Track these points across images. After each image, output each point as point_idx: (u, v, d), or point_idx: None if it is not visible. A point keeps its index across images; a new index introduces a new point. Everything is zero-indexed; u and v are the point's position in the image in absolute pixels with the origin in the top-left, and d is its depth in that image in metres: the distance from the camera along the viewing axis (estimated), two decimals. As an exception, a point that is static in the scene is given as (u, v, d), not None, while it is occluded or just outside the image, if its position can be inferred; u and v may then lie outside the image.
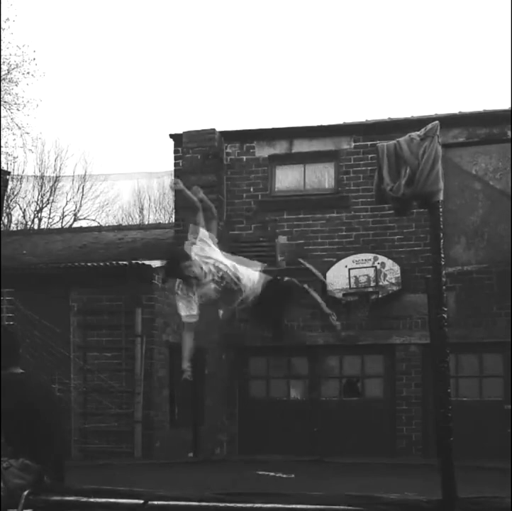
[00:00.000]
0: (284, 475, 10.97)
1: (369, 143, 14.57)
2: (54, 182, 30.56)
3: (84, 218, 31.24)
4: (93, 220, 30.89)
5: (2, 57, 24.93)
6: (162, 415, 13.00)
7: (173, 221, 17.34)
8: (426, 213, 5.02)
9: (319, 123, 15.63)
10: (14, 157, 28.23)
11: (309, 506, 4.51)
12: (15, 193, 29.51)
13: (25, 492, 4.59)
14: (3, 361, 4.94)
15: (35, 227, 28.82)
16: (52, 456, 4.94)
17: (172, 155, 15.58)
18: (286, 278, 6.44)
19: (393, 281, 14.33)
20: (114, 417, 12.57)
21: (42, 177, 30.33)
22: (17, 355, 5.09)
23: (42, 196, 30.53)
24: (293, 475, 10.97)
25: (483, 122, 14.59)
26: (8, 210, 28.96)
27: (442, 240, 4.83)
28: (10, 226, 28.73)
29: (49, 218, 30.92)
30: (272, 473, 11.09)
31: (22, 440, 4.78)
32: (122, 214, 32.82)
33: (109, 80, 46.38)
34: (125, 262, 12.98)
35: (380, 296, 14.34)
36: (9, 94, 26.53)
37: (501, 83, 39.94)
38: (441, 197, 4.84)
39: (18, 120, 30.19)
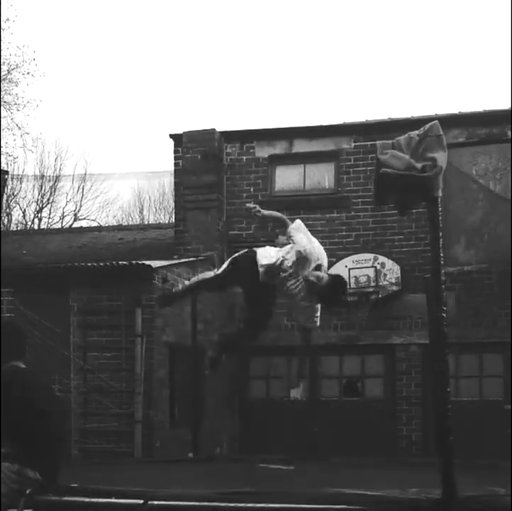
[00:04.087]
0: (284, 467, 11.01)
1: (369, 143, 14.58)
2: (54, 182, 30.57)
3: (84, 218, 31.26)
4: (93, 220, 30.91)
5: (2, 58, 24.94)
6: (162, 415, 12.99)
7: (173, 221, 17.35)
8: (426, 213, 5.02)
9: (319, 123, 15.63)
10: (14, 158, 28.25)
11: (309, 506, 4.51)
12: (15, 193, 29.53)
13: (27, 492, 4.59)
14: (6, 354, 4.93)
15: (35, 227, 28.82)
16: (50, 456, 4.93)
17: (172, 155, 15.59)
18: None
19: (393, 281, 14.33)
20: (114, 417, 12.56)
21: (42, 177, 30.33)
22: (22, 349, 5.07)
23: (42, 196, 30.54)
24: (292, 467, 11.02)
25: (483, 122, 14.59)
26: (8, 210, 28.96)
27: (441, 239, 4.82)
28: (10, 226, 28.73)
29: (49, 218, 30.94)
30: (272, 465, 11.14)
31: (20, 438, 4.77)
32: (122, 214, 32.84)
33: (109, 80, 46.40)
34: (125, 262, 12.97)
35: (380, 296, 14.34)
36: (9, 94, 26.55)
37: (501, 83, 39.95)
38: (440, 193, 4.84)
39: (18, 120, 30.25)
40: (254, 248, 6.48)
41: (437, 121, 4.85)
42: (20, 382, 4.88)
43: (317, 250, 6.22)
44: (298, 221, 6.35)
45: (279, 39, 48.60)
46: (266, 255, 6.32)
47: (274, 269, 6.22)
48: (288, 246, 6.25)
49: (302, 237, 6.19)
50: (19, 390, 4.83)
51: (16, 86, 26.61)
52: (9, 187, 26.97)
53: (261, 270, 6.25)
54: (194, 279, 6.94)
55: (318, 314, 6.44)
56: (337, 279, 6.27)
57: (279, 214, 6.57)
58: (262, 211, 6.41)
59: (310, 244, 6.20)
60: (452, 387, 5.20)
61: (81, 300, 12.84)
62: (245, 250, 6.51)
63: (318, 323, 6.56)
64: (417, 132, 4.84)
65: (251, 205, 6.48)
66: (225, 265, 6.51)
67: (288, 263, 6.17)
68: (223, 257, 15.26)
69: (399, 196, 4.99)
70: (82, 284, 12.79)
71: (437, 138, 4.77)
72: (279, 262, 6.20)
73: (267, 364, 15.36)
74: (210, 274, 6.81)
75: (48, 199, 30.73)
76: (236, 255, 6.52)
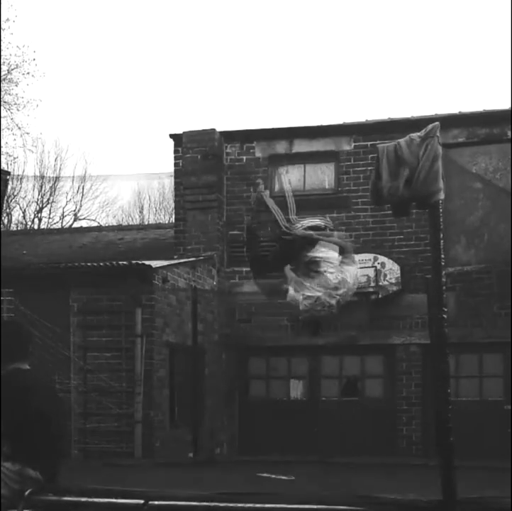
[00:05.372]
0: (284, 477, 10.98)
1: (369, 143, 14.58)
2: (54, 182, 30.56)
3: (84, 218, 31.25)
4: (93, 220, 30.90)
5: (2, 58, 24.93)
6: (162, 415, 12.99)
7: (173, 221, 17.36)
8: (426, 213, 5.02)
9: (319, 123, 15.63)
10: (14, 158, 28.25)
11: (309, 506, 4.50)
12: (15, 193, 29.53)
13: (27, 493, 4.58)
14: (9, 355, 4.90)
15: (35, 227, 28.81)
16: (51, 456, 4.93)
17: (172, 155, 15.59)
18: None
19: (393, 281, 14.32)
20: (114, 417, 12.56)
21: (42, 177, 30.32)
22: (25, 350, 5.03)
23: (42, 197, 30.54)
24: (293, 477, 10.98)
25: (483, 122, 14.59)
26: (8, 210, 28.97)
27: (442, 241, 4.82)
28: (10, 226, 28.74)
29: (49, 218, 30.93)
30: (273, 475, 11.10)
31: (21, 438, 4.77)
32: (122, 214, 32.84)
33: (109, 80, 46.40)
34: (125, 262, 12.96)
35: (380, 296, 14.33)
36: (9, 94, 26.54)
37: (501, 83, 39.94)
38: (442, 196, 4.83)
39: (18, 120, 30.22)
40: None
41: (438, 123, 4.85)
42: (21, 384, 4.87)
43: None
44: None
45: (278, 39, 48.61)
46: None
47: None
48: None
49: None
50: (20, 392, 4.83)
51: (16, 86, 26.63)
52: (9, 187, 26.94)
53: None
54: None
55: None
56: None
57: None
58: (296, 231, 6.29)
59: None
60: (452, 387, 5.20)
61: (81, 300, 12.83)
62: None
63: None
64: (418, 134, 4.84)
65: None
66: None
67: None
68: (223, 257, 15.28)
69: (396, 203, 5.00)
70: (82, 284, 12.79)
71: (429, 141, 4.78)
72: None
73: (267, 364, 15.36)
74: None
75: (48, 199, 30.73)
76: None
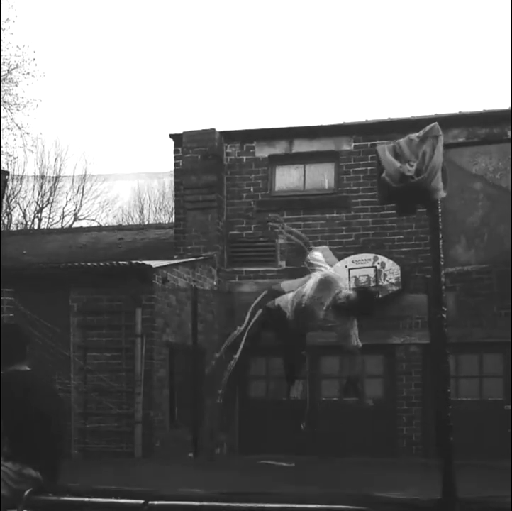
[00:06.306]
0: (285, 464, 11.06)
1: (369, 143, 14.59)
2: (54, 182, 30.57)
3: (84, 218, 31.26)
4: (93, 220, 30.91)
5: (2, 58, 24.94)
6: (162, 415, 12.99)
7: (173, 221, 17.36)
8: (426, 213, 5.01)
9: (319, 123, 15.64)
10: (14, 158, 28.27)
11: (309, 506, 4.50)
12: (15, 193, 29.54)
13: (27, 492, 4.59)
14: (9, 356, 4.92)
15: (35, 227, 28.82)
16: (51, 456, 4.93)
17: (172, 155, 15.59)
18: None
19: (393, 281, 14.32)
20: (114, 417, 12.56)
21: (42, 177, 30.33)
22: (23, 352, 5.06)
23: (42, 197, 30.55)
24: (293, 464, 11.06)
25: (483, 122, 14.59)
26: (8, 210, 28.97)
27: (441, 241, 4.82)
28: (10, 226, 28.74)
29: (49, 218, 30.94)
30: (274, 462, 11.20)
31: (21, 438, 4.78)
32: (122, 214, 32.85)
33: (109, 80, 46.40)
34: (125, 262, 12.96)
35: (380, 296, 14.33)
36: (9, 94, 26.56)
37: (501, 83, 39.96)
38: (444, 194, 4.82)
39: (18, 120, 30.26)
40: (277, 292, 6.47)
41: (436, 123, 4.84)
42: (21, 384, 4.89)
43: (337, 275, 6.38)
44: (319, 251, 6.45)
45: (278, 39, 48.63)
46: (284, 298, 6.41)
47: (300, 308, 6.26)
48: (306, 276, 6.35)
49: (323, 265, 6.30)
50: (20, 392, 4.84)
51: (16, 86, 26.66)
52: (9, 187, 26.97)
53: (289, 315, 6.33)
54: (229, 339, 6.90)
55: (354, 332, 6.53)
56: (363, 292, 6.43)
57: (302, 235, 6.65)
58: (286, 227, 6.50)
59: (333, 271, 6.35)
60: (452, 387, 5.19)
61: (81, 300, 12.83)
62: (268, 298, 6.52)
63: (359, 343, 6.64)
64: (417, 134, 4.83)
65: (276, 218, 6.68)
66: (254, 317, 6.51)
67: (307, 290, 6.21)
68: (223, 257, 15.27)
69: (400, 201, 4.98)
70: (82, 284, 12.79)
71: (434, 139, 4.77)
72: (297, 296, 6.25)
73: (267, 364, 15.35)
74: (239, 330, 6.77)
75: (48, 199, 30.74)
76: (263, 305, 6.53)
